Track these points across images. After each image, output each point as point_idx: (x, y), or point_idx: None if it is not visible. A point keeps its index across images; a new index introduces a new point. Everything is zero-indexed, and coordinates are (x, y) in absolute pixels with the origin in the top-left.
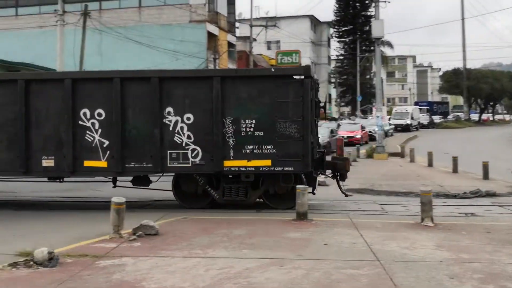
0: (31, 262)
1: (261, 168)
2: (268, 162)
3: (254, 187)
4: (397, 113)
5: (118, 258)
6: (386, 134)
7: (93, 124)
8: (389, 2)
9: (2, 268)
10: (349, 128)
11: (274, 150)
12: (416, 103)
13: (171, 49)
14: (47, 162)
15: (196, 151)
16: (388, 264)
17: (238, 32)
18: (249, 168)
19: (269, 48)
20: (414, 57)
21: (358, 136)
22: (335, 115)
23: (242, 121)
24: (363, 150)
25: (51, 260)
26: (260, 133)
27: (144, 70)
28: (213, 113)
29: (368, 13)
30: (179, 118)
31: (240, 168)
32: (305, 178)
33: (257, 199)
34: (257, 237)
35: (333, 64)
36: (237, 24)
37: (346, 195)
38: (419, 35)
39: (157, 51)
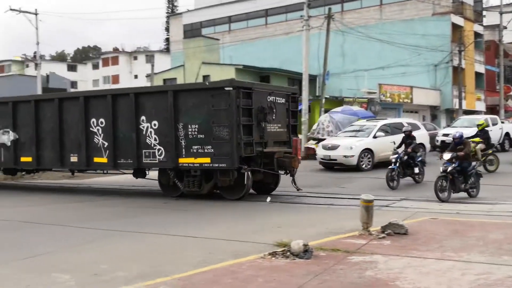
0: (288, 253)
1: (203, 165)
2: (208, 160)
3: (207, 181)
4: None
5: (369, 255)
6: None
7: (98, 130)
8: None
9: (263, 257)
10: None
11: (212, 150)
12: None
13: (412, 44)
14: (73, 158)
15: (160, 151)
16: None
17: (485, 21)
18: (195, 164)
19: None
20: None
21: None
22: None
23: (189, 126)
24: None
25: (306, 252)
26: (202, 136)
27: (124, 88)
28: (169, 120)
29: None
30: (149, 124)
31: (189, 164)
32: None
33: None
34: None
35: None
36: (484, 13)
37: (298, 189)
38: None
39: (398, 47)
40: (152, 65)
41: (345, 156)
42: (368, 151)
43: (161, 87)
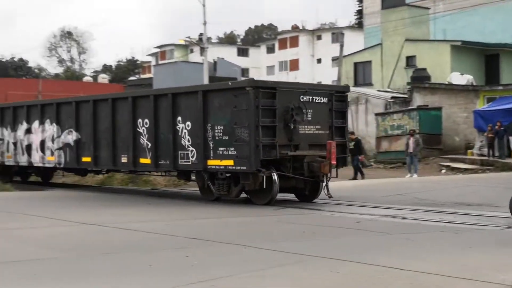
0: None
1: (228, 167)
2: (231, 162)
3: (235, 184)
4: None
5: None
6: None
7: (143, 130)
8: None
9: None
10: None
11: (234, 152)
12: None
13: None
14: (124, 159)
15: (193, 152)
16: None
17: None
18: (221, 167)
19: None
20: None
21: None
22: None
23: (216, 127)
24: None
25: None
26: (226, 137)
27: (164, 88)
28: (199, 121)
29: None
30: (183, 125)
31: (216, 166)
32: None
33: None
34: None
35: None
36: None
37: (329, 197)
38: None
39: None
40: (341, 45)
41: None
42: None
43: (192, 88)
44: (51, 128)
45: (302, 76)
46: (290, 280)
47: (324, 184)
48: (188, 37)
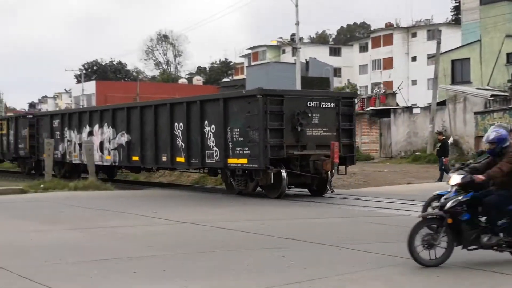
0: None
1: (243, 165)
2: (246, 160)
3: (251, 180)
4: None
5: None
6: None
7: (179, 132)
8: None
9: None
10: None
11: (248, 151)
12: None
13: None
14: (164, 157)
15: (217, 152)
16: None
17: None
18: (238, 165)
19: None
20: None
21: None
22: None
23: (234, 130)
24: None
25: None
26: (242, 139)
27: (193, 96)
28: (221, 124)
29: None
30: (209, 128)
31: (234, 164)
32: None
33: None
34: None
35: None
36: None
37: (332, 191)
38: None
39: None
40: (438, 42)
41: None
42: None
43: (215, 95)
44: (108, 131)
45: (396, 74)
46: (387, 283)
47: (329, 180)
48: (280, 38)
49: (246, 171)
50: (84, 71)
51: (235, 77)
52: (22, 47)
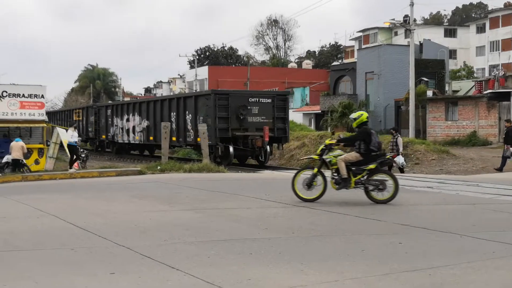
0: None
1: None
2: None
3: (211, 153)
4: None
5: None
6: None
7: (173, 120)
8: None
9: None
10: None
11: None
12: None
13: None
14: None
15: (192, 133)
16: None
17: None
18: (199, 142)
19: None
20: None
21: None
22: None
23: (199, 118)
24: None
25: None
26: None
27: (171, 95)
28: (194, 114)
29: None
30: (188, 117)
31: (200, 142)
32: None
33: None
34: None
35: None
36: None
37: (264, 164)
38: None
39: None
40: None
41: None
42: None
43: (190, 94)
44: (137, 118)
45: None
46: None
47: (267, 152)
48: (393, 19)
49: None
50: (197, 57)
51: (345, 61)
52: (139, 34)
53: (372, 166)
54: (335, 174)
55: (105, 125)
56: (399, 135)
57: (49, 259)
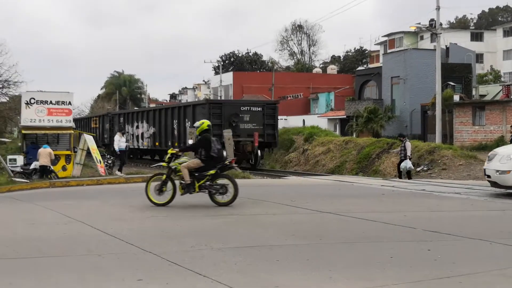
0: None
1: None
2: None
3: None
4: None
5: None
6: None
7: (175, 127)
8: None
9: None
10: None
11: None
12: None
13: None
14: (169, 143)
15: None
16: None
17: None
18: None
19: None
20: None
21: None
22: None
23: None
24: None
25: None
26: None
27: (166, 104)
28: (192, 121)
29: None
30: (188, 124)
31: None
32: None
33: None
34: None
35: None
36: None
37: (256, 168)
38: None
39: None
40: None
41: (498, 172)
42: None
43: (189, 103)
44: (145, 126)
45: None
46: None
47: (258, 157)
48: (419, 24)
49: None
50: (221, 63)
51: (370, 65)
52: (165, 40)
53: (212, 171)
54: (182, 181)
55: None
56: (407, 140)
57: (77, 265)
